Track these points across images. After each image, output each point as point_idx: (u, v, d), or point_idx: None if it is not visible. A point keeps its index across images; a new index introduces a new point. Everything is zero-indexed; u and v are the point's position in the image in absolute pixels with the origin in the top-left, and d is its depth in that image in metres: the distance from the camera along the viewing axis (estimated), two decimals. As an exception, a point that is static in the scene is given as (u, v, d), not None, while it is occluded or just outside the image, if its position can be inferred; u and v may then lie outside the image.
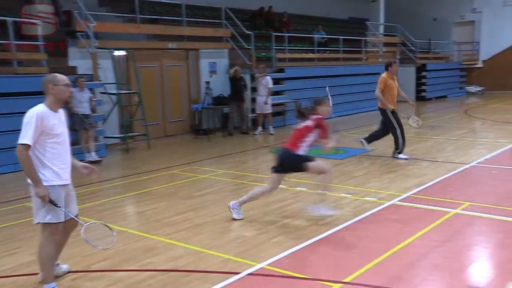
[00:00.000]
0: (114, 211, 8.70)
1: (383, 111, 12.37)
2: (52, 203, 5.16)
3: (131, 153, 14.62)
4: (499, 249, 6.57)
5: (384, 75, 12.30)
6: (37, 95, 12.43)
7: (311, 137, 7.49)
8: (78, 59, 14.78)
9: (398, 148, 12.38)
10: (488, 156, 12.22)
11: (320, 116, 7.59)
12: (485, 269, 5.99)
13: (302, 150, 7.44)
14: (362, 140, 12.97)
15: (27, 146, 5.08)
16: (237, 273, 5.74)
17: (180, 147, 15.27)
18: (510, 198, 8.80)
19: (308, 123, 7.55)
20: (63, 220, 5.37)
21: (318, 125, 7.48)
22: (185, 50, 18.36)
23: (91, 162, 12.71)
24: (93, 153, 13.26)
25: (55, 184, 5.26)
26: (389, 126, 12.33)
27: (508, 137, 15.04)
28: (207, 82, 18.15)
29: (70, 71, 14.37)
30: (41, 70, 13.03)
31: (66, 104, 6.13)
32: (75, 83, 12.87)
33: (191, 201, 9.08)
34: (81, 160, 12.55)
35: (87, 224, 5.54)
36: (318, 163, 7.63)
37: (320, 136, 7.52)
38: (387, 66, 12.39)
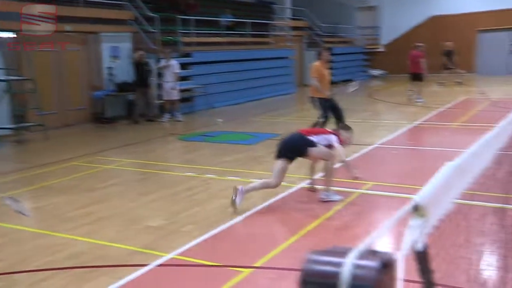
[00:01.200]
0: (7, 208, 8.26)
1: (314, 99, 12.59)
2: None
3: (26, 145, 14.19)
4: (399, 226, 6.87)
5: (317, 63, 12.46)
6: None
7: (323, 140, 7.67)
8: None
9: None
10: (390, 137, 12.73)
11: (340, 139, 7.82)
12: (385, 244, 6.26)
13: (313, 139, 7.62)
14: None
15: None
16: (146, 265, 5.73)
17: (81, 137, 14.94)
18: (408, 177, 9.20)
19: (332, 133, 7.94)
20: None
21: (334, 142, 7.70)
22: (83, 33, 17.92)
23: None
24: None
25: None
26: (321, 112, 12.51)
27: (407, 118, 15.76)
28: (110, 68, 17.86)
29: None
30: None
31: None
32: None
33: (94, 194, 8.93)
34: None
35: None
36: (321, 149, 7.69)
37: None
38: (319, 54, 12.57)
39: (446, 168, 1.26)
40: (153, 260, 5.86)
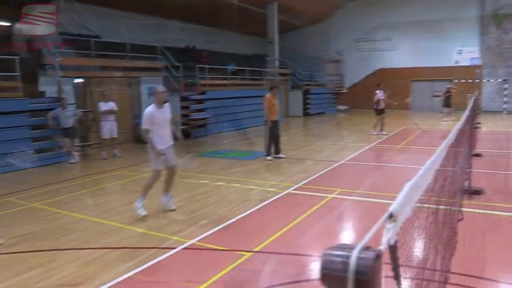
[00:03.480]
0: (76, 203, 8.44)
1: (267, 122, 12.55)
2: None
3: (87, 158, 14.17)
4: (358, 221, 6.92)
5: (268, 95, 12.42)
6: (15, 114, 12.15)
7: None
8: (46, 86, 14.24)
9: (266, 151, 12.61)
10: (352, 156, 12.71)
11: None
12: (350, 234, 6.29)
13: None
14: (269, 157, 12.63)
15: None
16: (174, 248, 5.75)
17: (126, 153, 14.95)
18: (365, 185, 9.20)
19: None
20: (160, 169, 7.30)
21: None
22: (129, 78, 18.03)
23: (73, 163, 12.83)
24: (76, 156, 13.07)
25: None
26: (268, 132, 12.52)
27: (365, 141, 15.73)
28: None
29: (40, 95, 13.92)
30: (17, 95, 12.64)
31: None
32: (59, 103, 12.89)
33: (135, 195, 8.79)
34: (64, 162, 12.07)
35: None
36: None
37: None
38: (270, 89, 12.52)
39: (407, 186, 1.32)
40: (179, 244, 5.87)
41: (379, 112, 17.28)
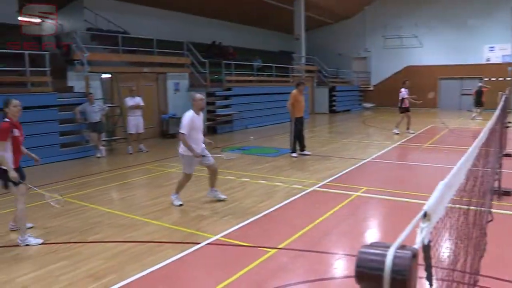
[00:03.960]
0: (102, 197, 8.55)
1: (291, 119, 12.53)
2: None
3: (114, 152, 14.35)
4: (384, 219, 6.84)
5: (294, 91, 12.37)
6: (44, 108, 12.40)
7: None
8: (74, 81, 14.49)
9: (291, 147, 12.61)
10: (378, 154, 12.57)
11: None
12: (376, 233, 6.22)
13: None
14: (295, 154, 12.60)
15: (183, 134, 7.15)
16: (198, 243, 5.77)
17: (152, 148, 15.08)
18: (392, 183, 9.14)
19: None
20: (192, 173, 7.71)
21: None
22: (155, 74, 18.18)
23: (100, 158, 13.07)
24: (102, 150, 13.29)
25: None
26: (293, 128, 12.49)
27: (391, 140, 15.52)
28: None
29: (68, 89, 14.17)
30: (47, 89, 12.85)
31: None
32: (87, 98, 13.11)
33: (161, 189, 9.01)
34: (91, 156, 12.30)
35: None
36: None
37: None
38: (297, 85, 12.47)
39: (441, 185, 1.29)
40: (203, 239, 5.89)
41: (403, 110, 17.04)
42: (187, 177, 7.72)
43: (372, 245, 0.90)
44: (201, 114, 7.56)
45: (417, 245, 1.00)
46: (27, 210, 6.20)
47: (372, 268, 0.85)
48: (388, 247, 0.87)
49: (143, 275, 4.82)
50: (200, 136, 7.59)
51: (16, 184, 5.84)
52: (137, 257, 5.34)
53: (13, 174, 5.77)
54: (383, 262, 0.84)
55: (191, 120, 7.27)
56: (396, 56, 32.45)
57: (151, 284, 4.66)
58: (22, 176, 6.02)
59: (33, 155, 6.40)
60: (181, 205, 7.58)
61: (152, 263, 5.12)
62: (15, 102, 5.93)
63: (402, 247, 0.88)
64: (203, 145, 7.70)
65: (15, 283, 4.75)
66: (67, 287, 4.62)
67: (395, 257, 0.85)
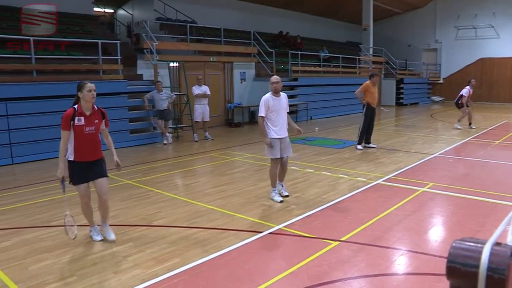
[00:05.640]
0: (167, 183, 8.75)
1: (363, 105, 12.29)
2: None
3: (180, 140, 14.62)
4: (451, 217, 6.53)
5: (368, 82, 12.13)
6: (115, 95, 12.84)
7: None
8: (143, 69, 14.91)
9: (358, 139, 12.40)
10: (446, 149, 12.09)
11: None
12: (442, 231, 5.96)
13: None
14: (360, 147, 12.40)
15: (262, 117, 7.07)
16: (261, 232, 5.76)
17: (217, 136, 15.23)
18: (460, 180, 8.75)
19: None
20: (278, 157, 7.18)
21: None
22: (222, 63, 18.36)
23: (166, 144, 13.42)
24: (169, 137, 13.60)
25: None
26: (364, 117, 12.24)
27: (460, 135, 14.87)
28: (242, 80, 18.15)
29: (137, 77, 14.57)
30: (118, 77, 13.25)
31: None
32: (155, 86, 13.34)
33: (225, 177, 9.09)
34: (157, 143, 12.79)
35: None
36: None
37: None
38: (370, 77, 12.23)
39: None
40: (266, 229, 5.88)
41: (460, 106, 16.38)
42: (272, 163, 7.31)
43: (466, 240, 0.81)
44: (283, 97, 7.20)
45: (509, 243, 0.90)
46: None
47: (466, 265, 0.76)
48: (483, 243, 0.78)
49: (205, 261, 4.87)
50: (283, 121, 7.18)
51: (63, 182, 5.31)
52: (200, 243, 5.40)
53: (59, 172, 5.24)
54: (478, 259, 0.76)
55: (266, 101, 7.04)
56: (468, 47, 31.06)
57: (213, 270, 4.69)
58: (83, 174, 5.38)
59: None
60: (281, 201, 7.20)
61: (214, 250, 5.16)
62: (89, 86, 5.28)
63: (497, 244, 0.79)
64: (286, 133, 7.28)
65: (86, 260, 4.95)
66: (133, 267, 4.74)
67: (492, 254, 0.76)
